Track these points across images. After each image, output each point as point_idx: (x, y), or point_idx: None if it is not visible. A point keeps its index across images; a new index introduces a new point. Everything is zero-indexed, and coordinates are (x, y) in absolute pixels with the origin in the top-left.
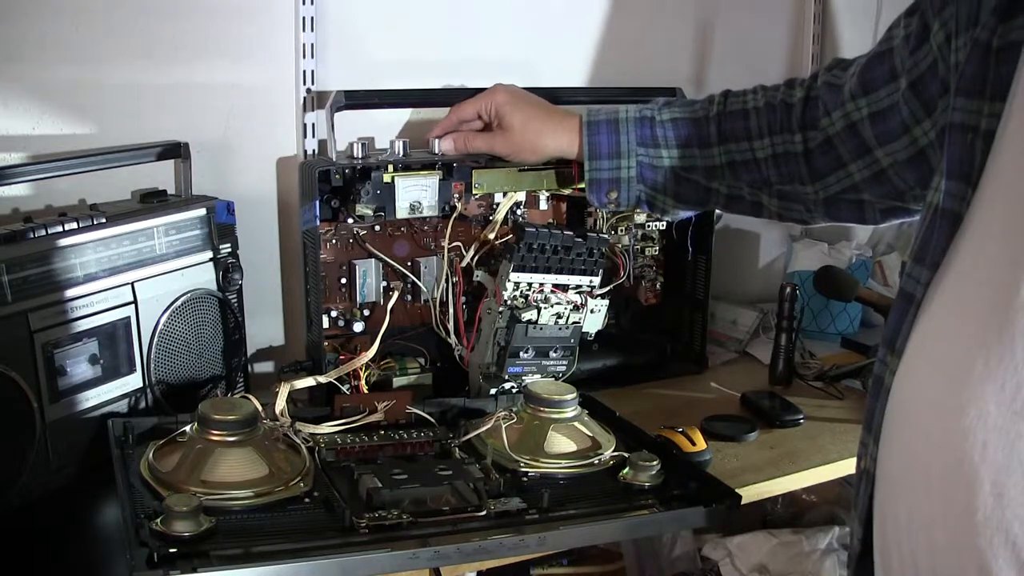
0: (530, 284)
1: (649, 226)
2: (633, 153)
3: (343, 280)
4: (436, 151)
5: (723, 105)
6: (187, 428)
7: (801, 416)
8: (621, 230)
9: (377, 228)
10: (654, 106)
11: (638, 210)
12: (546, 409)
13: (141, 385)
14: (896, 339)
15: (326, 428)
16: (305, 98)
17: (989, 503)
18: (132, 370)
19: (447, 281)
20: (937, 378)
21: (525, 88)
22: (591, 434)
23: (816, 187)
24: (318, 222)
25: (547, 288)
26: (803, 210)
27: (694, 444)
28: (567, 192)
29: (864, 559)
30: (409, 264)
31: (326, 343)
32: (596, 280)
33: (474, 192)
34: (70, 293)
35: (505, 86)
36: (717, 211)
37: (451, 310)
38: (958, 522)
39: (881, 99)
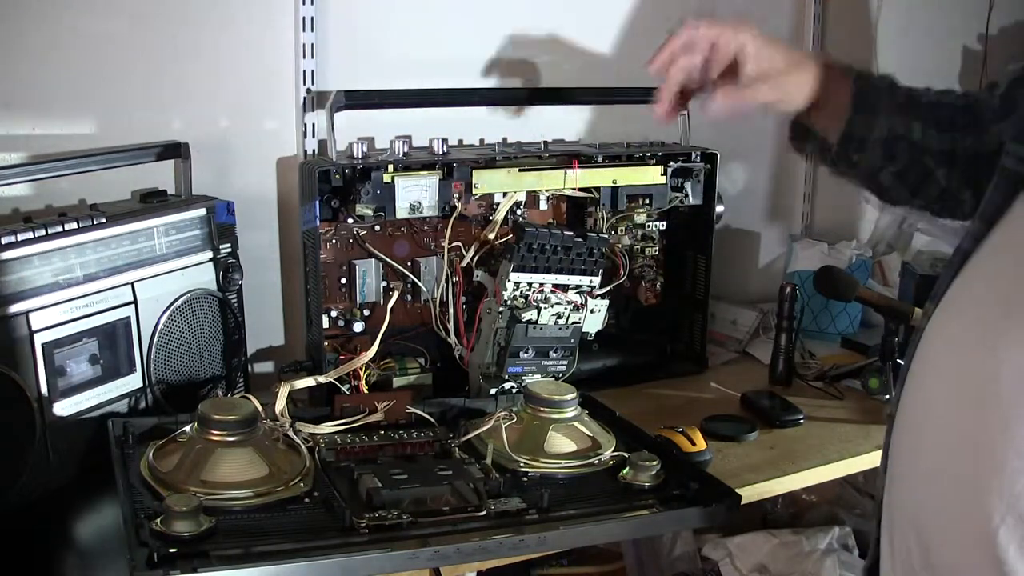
0: (530, 284)
1: (649, 226)
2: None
3: (343, 280)
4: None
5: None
6: (187, 428)
7: (801, 416)
8: (621, 230)
9: (377, 228)
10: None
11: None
12: (546, 409)
13: (141, 385)
14: (939, 288)
15: (326, 428)
16: (305, 98)
17: (997, 439)
18: (132, 370)
19: (447, 281)
20: (972, 313)
21: (525, 88)
22: (591, 434)
23: None
24: (318, 222)
25: (547, 288)
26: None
27: (694, 444)
28: (569, 192)
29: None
30: (409, 264)
31: (326, 343)
32: (596, 280)
33: (474, 192)
34: (70, 293)
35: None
36: (719, 209)
37: (451, 310)
38: (962, 451)
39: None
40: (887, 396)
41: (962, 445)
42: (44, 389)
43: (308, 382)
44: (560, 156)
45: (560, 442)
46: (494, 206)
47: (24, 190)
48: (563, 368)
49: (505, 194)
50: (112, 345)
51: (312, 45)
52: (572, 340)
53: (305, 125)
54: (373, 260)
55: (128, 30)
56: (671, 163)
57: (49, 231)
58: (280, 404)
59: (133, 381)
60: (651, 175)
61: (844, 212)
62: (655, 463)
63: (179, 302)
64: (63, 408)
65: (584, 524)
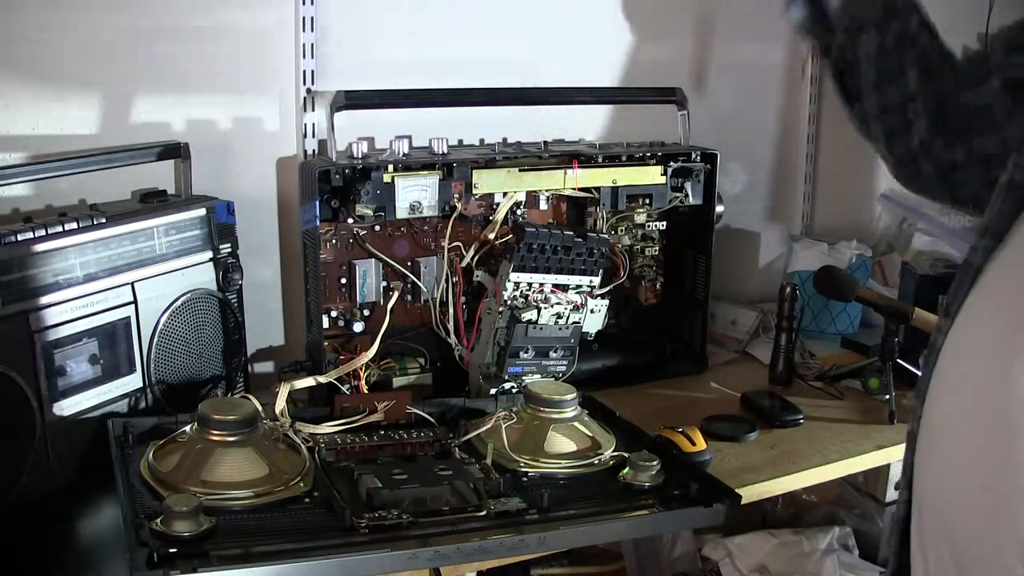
0: (530, 284)
1: (649, 226)
2: None
3: (343, 280)
4: None
5: None
6: (187, 428)
7: (801, 416)
8: (621, 230)
9: (377, 228)
10: None
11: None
12: (546, 409)
13: (141, 385)
14: (953, 304)
15: (326, 428)
16: (305, 98)
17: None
18: (132, 370)
19: (447, 281)
20: (989, 329)
21: (525, 88)
22: (591, 434)
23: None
24: (318, 222)
25: (547, 288)
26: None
27: (694, 444)
28: (569, 192)
29: (908, 521)
30: (409, 264)
31: (326, 343)
32: (596, 280)
33: (474, 192)
34: (70, 293)
35: None
36: (719, 209)
37: (451, 310)
38: (988, 459)
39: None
40: (887, 396)
41: (991, 465)
42: (44, 389)
43: (308, 382)
44: (560, 156)
45: (560, 442)
46: (494, 206)
47: (24, 190)
48: (563, 368)
49: (505, 194)
50: (112, 345)
51: (312, 45)
52: (572, 340)
53: (305, 125)
54: (373, 260)
55: (128, 30)
56: (671, 163)
57: (49, 231)
58: (280, 404)
59: (133, 381)
60: (651, 175)
61: (844, 212)
62: (655, 463)
63: (179, 302)
64: (63, 408)
65: (584, 524)
